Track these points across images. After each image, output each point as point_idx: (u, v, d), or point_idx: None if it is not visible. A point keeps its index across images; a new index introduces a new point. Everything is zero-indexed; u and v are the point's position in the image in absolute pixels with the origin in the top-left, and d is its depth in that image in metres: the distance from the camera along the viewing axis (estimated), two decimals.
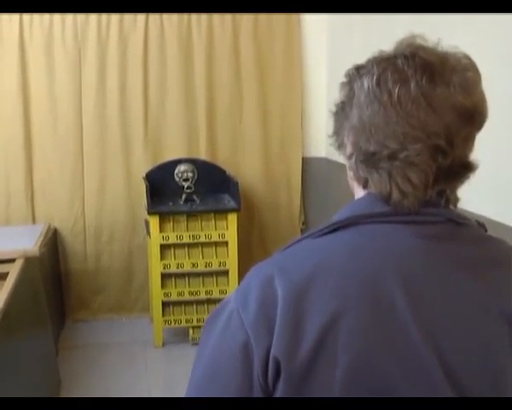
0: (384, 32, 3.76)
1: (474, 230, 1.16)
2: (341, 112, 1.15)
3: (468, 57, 1.10)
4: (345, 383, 1.00)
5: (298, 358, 1.00)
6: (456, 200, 1.15)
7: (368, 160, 1.09)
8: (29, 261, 3.93)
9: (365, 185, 1.13)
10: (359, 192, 1.17)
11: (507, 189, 2.76)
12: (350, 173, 1.17)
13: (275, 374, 1.02)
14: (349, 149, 1.14)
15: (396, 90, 1.04)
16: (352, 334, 1.00)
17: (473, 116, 1.07)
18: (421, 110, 1.03)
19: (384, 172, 1.07)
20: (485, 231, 1.19)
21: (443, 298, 1.05)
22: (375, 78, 1.07)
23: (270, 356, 1.01)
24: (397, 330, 1.02)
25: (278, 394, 1.02)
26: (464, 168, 1.10)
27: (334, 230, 1.11)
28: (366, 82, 1.08)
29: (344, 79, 1.16)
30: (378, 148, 1.06)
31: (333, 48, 5.14)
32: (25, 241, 4.29)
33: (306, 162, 5.48)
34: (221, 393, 1.06)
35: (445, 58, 1.07)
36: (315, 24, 5.28)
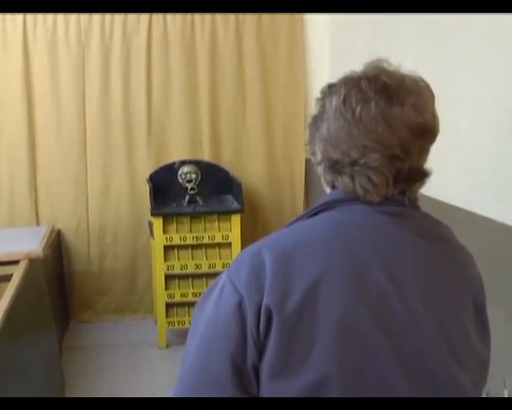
0: (388, 33, 3.76)
1: (426, 214, 1.33)
2: (314, 124, 1.33)
3: (423, 80, 1.27)
4: (333, 334, 1.13)
5: (288, 306, 1.13)
6: (416, 200, 1.30)
7: (333, 166, 1.27)
8: (33, 263, 3.94)
9: (333, 187, 1.31)
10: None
11: (507, 188, 2.76)
12: (322, 178, 1.35)
13: (266, 323, 1.14)
14: (319, 157, 1.32)
15: (358, 109, 1.21)
16: (335, 288, 1.15)
17: (424, 131, 1.23)
18: (379, 126, 1.20)
19: (346, 176, 1.24)
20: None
21: (413, 261, 1.23)
22: (341, 97, 1.24)
23: (262, 306, 1.14)
24: (373, 286, 1.17)
25: (270, 345, 1.14)
26: (420, 174, 1.27)
27: (316, 213, 1.29)
28: (334, 100, 1.25)
29: (319, 95, 1.33)
30: (341, 156, 1.24)
31: (336, 49, 5.13)
32: (29, 242, 4.30)
33: (310, 163, 5.47)
34: (219, 351, 1.17)
35: (402, 81, 1.24)
36: (318, 26, 5.27)
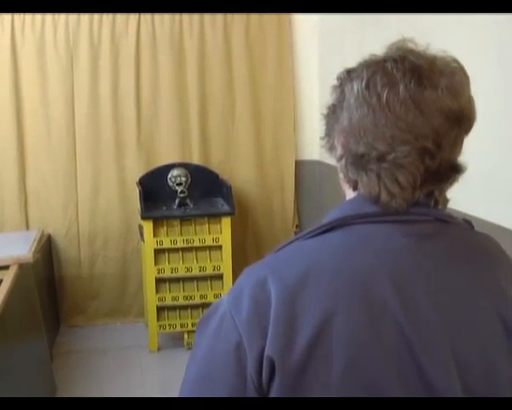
0: (375, 34, 3.77)
1: (460, 227, 1.18)
2: (332, 115, 1.17)
3: (456, 61, 1.12)
4: (340, 383, 1.02)
5: (292, 357, 1.01)
6: (446, 201, 1.16)
7: (357, 161, 1.10)
8: (23, 268, 3.92)
9: (355, 187, 1.14)
10: (350, 194, 1.18)
11: (500, 189, 2.77)
12: (341, 175, 1.18)
13: (269, 374, 1.03)
14: (339, 151, 1.15)
15: (385, 94, 1.05)
16: (345, 334, 1.02)
17: (460, 119, 1.08)
18: (409, 113, 1.05)
19: (372, 173, 1.08)
20: (472, 227, 1.21)
21: (432, 295, 1.07)
22: (364, 81, 1.08)
23: (265, 356, 1.02)
24: (389, 329, 1.03)
25: (273, 394, 1.03)
26: (452, 170, 1.11)
27: (325, 231, 1.12)
28: (356, 85, 1.09)
29: (335, 82, 1.17)
30: (367, 150, 1.08)
31: (324, 51, 5.15)
32: (18, 247, 4.28)
33: (299, 165, 5.49)
34: (214, 394, 1.07)
35: (433, 62, 1.08)
36: (306, 26, 5.30)
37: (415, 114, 1.05)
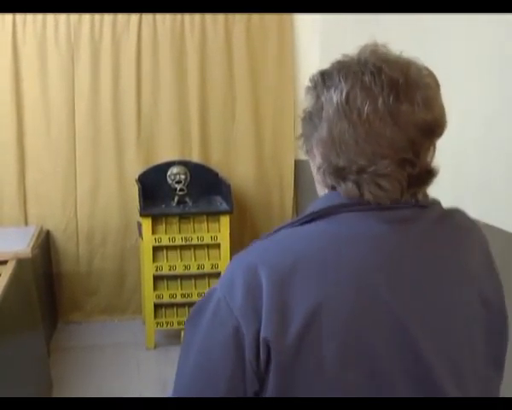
0: (376, 32, 3.76)
1: (436, 209, 1.22)
2: (309, 121, 1.18)
3: (427, 68, 1.15)
4: (333, 366, 1.06)
5: (287, 339, 1.04)
6: (426, 197, 1.20)
7: (336, 172, 1.14)
8: (21, 263, 3.92)
9: (334, 188, 1.18)
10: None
11: (494, 190, 2.78)
12: (317, 177, 1.22)
13: (266, 356, 1.05)
14: (318, 160, 1.18)
15: (365, 109, 1.08)
16: (337, 318, 1.06)
17: (433, 130, 1.13)
18: (387, 128, 1.08)
19: (352, 183, 1.12)
20: (440, 205, 1.25)
21: (418, 278, 1.12)
22: (344, 94, 1.10)
23: (261, 339, 1.05)
24: (382, 313, 1.08)
25: (270, 376, 1.06)
26: (429, 174, 1.15)
27: (312, 220, 1.16)
28: (335, 97, 1.11)
29: (309, 84, 1.19)
30: (347, 163, 1.11)
31: (325, 50, 5.14)
32: (17, 243, 4.29)
33: (299, 164, 5.48)
34: (215, 381, 1.09)
35: (407, 74, 1.11)
36: (307, 26, 5.28)
37: (392, 129, 1.08)
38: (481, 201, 2.75)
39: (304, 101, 1.21)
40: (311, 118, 1.18)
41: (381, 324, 1.07)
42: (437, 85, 1.15)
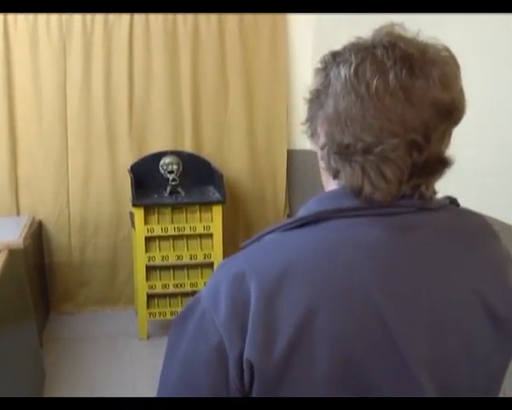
0: (370, 26, 3.75)
1: (445, 213, 1.13)
2: (316, 100, 1.11)
3: (447, 49, 1.07)
4: (325, 383, 0.99)
5: (272, 359, 0.98)
6: (434, 193, 1.11)
7: (341, 152, 1.05)
8: (13, 253, 3.91)
9: (336, 176, 1.10)
10: (330, 183, 1.14)
11: (492, 183, 2.78)
12: (321, 163, 1.14)
13: (250, 376, 0.99)
14: (322, 140, 1.10)
15: (374, 82, 1.00)
16: (328, 334, 0.98)
17: (451, 112, 1.04)
18: (398, 104, 1.00)
19: (357, 165, 1.03)
20: (458, 205, 1.18)
21: (415, 289, 1.03)
22: (352, 67, 1.02)
23: (244, 359, 0.99)
24: (373, 324, 1.00)
25: (254, 394, 1.01)
26: (440, 164, 1.06)
27: (304, 224, 1.07)
28: (343, 71, 1.04)
29: (319, 65, 1.12)
30: (353, 140, 1.03)
31: (319, 41, 5.13)
32: (9, 233, 4.27)
33: (291, 155, 5.49)
34: (198, 394, 1.04)
35: (424, 50, 1.03)
36: (301, 21, 5.27)
37: (405, 106, 1.00)
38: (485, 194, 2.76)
39: (312, 83, 1.14)
40: (318, 96, 1.10)
41: (373, 340, 1.00)
42: (457, 66, 1.07)
